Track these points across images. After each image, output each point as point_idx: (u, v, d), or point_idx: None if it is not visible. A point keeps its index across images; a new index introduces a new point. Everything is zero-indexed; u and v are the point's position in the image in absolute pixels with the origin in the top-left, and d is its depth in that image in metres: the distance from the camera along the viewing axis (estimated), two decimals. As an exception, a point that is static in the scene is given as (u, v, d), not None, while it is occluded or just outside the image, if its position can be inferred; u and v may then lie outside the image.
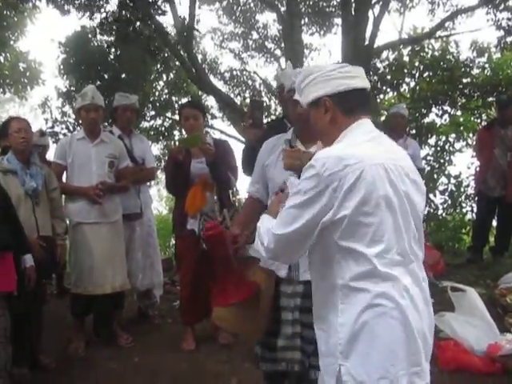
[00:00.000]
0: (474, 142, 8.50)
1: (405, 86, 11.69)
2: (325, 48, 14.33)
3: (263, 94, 13.43)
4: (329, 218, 1.89)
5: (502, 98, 7.99)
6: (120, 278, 4.77)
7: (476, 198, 7.93)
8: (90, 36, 10.79)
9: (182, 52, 8.91)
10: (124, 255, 4.92)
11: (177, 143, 8.52)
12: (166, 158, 12.99)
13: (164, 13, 7.43)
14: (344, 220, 1.87)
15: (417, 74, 11.35)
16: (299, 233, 1.95)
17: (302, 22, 12.36)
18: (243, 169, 4.30)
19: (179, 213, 4.71)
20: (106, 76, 10.99)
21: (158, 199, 16.55)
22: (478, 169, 7.59)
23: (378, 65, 11.47)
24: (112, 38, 8.87)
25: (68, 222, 4.83)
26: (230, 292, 2.83)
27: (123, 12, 7.12)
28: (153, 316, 5.63)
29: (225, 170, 4.52)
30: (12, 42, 13.92)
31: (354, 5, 9.16)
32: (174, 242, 9.55)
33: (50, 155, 6.26)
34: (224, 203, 4.51)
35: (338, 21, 11.38)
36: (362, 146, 1.97)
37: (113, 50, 11.21)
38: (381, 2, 10.54)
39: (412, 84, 11.57)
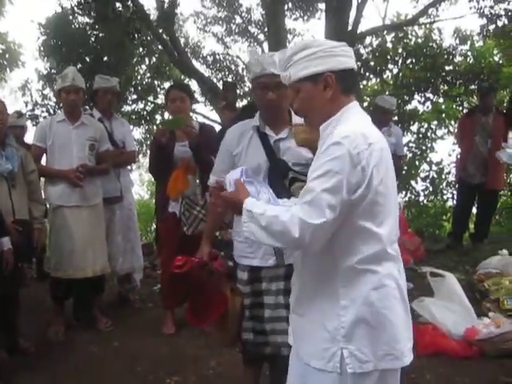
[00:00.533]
0: (456, 130, 8.55)
1: (388, 73, 11.74)
2: (308, 33, 14.24)
3: (246, 78, 13.37)
4: (356, 197, 1.84)
5: (483, 85, 8.03)
6: (100, 262, 4.74)
7: (456, 185, 7.99)
8: (70, 17, 10.64)
9: (164, 35, 8.82)
10: (104, 239, 4.89)
11: (160, 126, 8.45)
12: (149, 141, 12.98)
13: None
14: (366, 199, 1.86)
15: (400, 61, 11.40)
16: (337, 219, 1.83)
17: (286, 7, 12.29)
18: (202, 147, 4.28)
19: (161, 196, 4.68)
20: (87, 58, 10.85)
21: (140, 184, 16.50)
22: (458, 156, 7.64)
23: (362, 51, 11.49)
24: (92, 20, 8.74)
25: (48, 205, 4.78)
26: (202, 313, 2.99)
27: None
28: (133, 300, 5.62)
29: (208, 153, 4.48)
30: (-9, 24, 13.70)
31: (337, -10, 9.11)
32: (155, 226, 9.52)
33: (29, 137, 6.20)
34: (206, 187, 4.49)
35: (322, 6, 11.32)
36: (369, 126, 1.99)
37: (94, 32, 11.08)
38: (365, -12, 10.50)
39: (395, 71, 11.65)
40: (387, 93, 10.90)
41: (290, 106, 2.22)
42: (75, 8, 8.67)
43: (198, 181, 4.54)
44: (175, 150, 4.52)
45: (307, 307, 2.03)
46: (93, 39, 11.09)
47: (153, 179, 8.74)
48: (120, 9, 7.43)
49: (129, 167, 6.22)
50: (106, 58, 10.89)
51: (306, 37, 14.02)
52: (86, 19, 10.15)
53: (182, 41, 12.58)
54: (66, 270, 4.61)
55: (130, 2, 7.48)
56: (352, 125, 1.92)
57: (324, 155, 1.87)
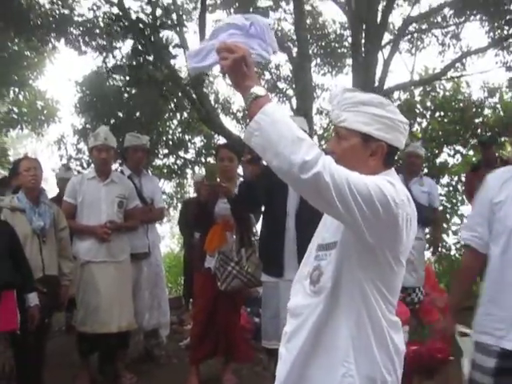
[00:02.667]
0: (463, 187, 8.25)
1: (416, 126, 11.76)
2: (336, 88, 14.41)
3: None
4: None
5: (483, 138, 7.83)
6: (126, 318, 4.79)
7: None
8: (105, 76, 11.02)
9: (193, 94, 9.06)
10: (131, 295, 4.94)
11: (194, 179, 8.58)
12: (179, 195, 13.16)
13: (175, 57, 7.58)
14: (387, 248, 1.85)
15: (428, 114, 11.43)
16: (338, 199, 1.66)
17: (314, 63, 12.52)
18: (240, 204, 4.32)
19: (199, 250, 4.72)
20: (120, 114, 11.18)
21: (171, 236, 16.58)
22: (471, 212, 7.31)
23: (390, 105, 11.55)
24: (126, 79, 9.07)
25: (76, 260, 4.88)
26: None
27: (135, 57, 7.30)
28: (158, 356, 5.62)
29: (245, 209, 4.52)
30: (31, 81, 14.27)
31: (363, 47, 9.29)
32: (184, 280, 9.56)
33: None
34: (244, 242, 4.52)
35: (350, 61, 11.51)
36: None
37: (127, 89, 11.44)
38: (391, 44, 10.68)
39: (424, 124, 11.65)
40: (416, 146, 10.91)
41: (328, 146, 2.05)
42: (110, 72, 8.97)
43: (234, 236, 4.57)
44: (216, 207, 4.58)
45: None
46: (126, 95, 11.45)
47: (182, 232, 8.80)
48: (152, 71, 7.70)
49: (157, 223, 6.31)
50: (138, 114, 11.19)
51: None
52: (120, 77, 10.49)
53: (213, 97, 12.86)
54: (91, 324, 4.67)
55: (161, 65, 7.74)
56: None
57: None
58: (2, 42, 11.82)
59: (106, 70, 9.44)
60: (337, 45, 12.95)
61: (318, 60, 13.08)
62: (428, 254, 8.10)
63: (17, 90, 13.92)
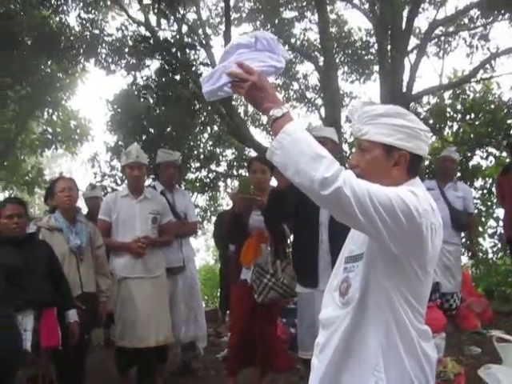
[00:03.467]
0: (495, 189, 8.12)
1: (447, 130, 11.64)
2: (365, 95, 14.37)
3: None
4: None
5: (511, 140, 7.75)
6: (164, 332, 4.85)
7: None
8: (135, 94, 11.23)
9: (222, 108, 9.17)
10: (168, 309, 5.01)
11: (228, 192, 8.63)
12: (213, 208, 13.26)
13: (201, 75, 7.69)
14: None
15: (459, 118, 11.31)
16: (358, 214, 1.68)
17: (342, 71, 12.54)
18: (267, 214, 4.33)
19: (234, 262, 4.76)
20: (151, 130, 11.36)
21: (205, 249, 16.69)
22: (504, 215, 7.11)
23: (419, 110, 11.48)
24: (155, 97, 9.26)
25: (113, 276, 4.97)
26: None
27: (163, 76, 7.45)
28: (196, 368, 5.67)
29: (275, 220, 4.54)
30: (64, 102, 14.62)
31: (390, 53, 9.27)
32: (219, 292, 9.62)
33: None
34: (278, 254, 4.54)
35: (377, 68, 11.49)
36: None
37: (157, 107, 11.62)
38: (418, 48, 10.62)
39: (455, 127, 11.53)
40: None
41: (351, 160, 2.05)
42: (140, 91, 9.14)
43: (269, 248, 4.59)
44: (250, 219, 4.62)
45: None
46: (157, 112, 11.63)
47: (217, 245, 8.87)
48: (180, 90, 7.84)
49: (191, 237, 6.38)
50: (169, 129, 11.35)
51: (364, 99, 14.16)
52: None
53: (242, 109, 12.97)
54: (130, 339, 4.75)
55: (189, 83, 7.87)
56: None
57: None
58: (36, 65, 12.15)
59: (136, 88, 9.62)
60: (363, 52, 12.96)
61: (346, 68, 13.10)
62: (465, 259, 8.01)
63: (51, 110, 14.31)
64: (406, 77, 9.67)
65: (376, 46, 10.87)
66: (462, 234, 7.02)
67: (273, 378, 4.90)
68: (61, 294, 4.00)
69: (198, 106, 8.29)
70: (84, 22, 11.69)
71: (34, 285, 3.79)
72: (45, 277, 3.94)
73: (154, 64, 10.05)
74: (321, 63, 11.61)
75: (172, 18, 9.63)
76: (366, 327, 1.87)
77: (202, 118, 10.79)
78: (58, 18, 11.64)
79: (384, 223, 1.70)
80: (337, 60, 12.16)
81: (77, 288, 4.30)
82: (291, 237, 4.63)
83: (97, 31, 11.85)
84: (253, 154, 12.68)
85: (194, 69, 7.50)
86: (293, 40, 13.21)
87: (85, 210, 6.59)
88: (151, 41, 7.84)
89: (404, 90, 9.40)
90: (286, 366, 4.70)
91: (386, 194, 1.73)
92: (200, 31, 11.19)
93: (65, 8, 11.26)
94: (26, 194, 14.83)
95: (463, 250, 6.89)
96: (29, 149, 14.86)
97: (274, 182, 4.74)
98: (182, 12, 9.57)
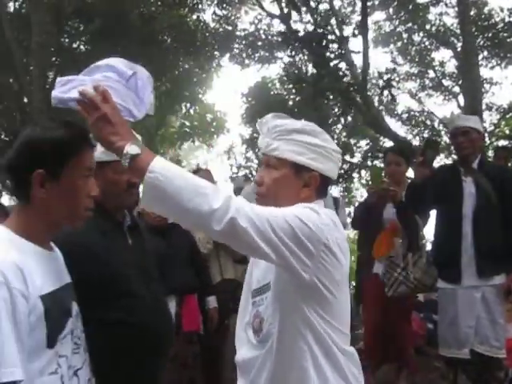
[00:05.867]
0: None
1: None
2: (506, 80, 13.57)
3: (442, 133, 13.03)
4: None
5: None
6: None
7: None
8: (269, 86, 11.41)
9: (358, 97, 9.06)
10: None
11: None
12: (346, 199, 13.17)
13: (341, 55, 7.62)
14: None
15: None
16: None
17: (481, 57, 11.89)
18: (407, 207, 4.19)
19: (366, 256, 4.68)
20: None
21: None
22: None
23: None
24: (289, 86, 9.36)
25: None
26: None
27: (316, 70, 7.50)
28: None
29: (412, 213, 4.41)
30: (200, 96, 15.19)
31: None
32: (354, 284, 9.52)
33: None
34: (411, 248, 4.40)
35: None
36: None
37: (291, 97, 11.73)
38: None
39: None
40: None
41: (256, 178, 1.86)
42: (291, 83, 9.22)
43: (400, 241, 4.47)
44: (385, 212, 4.53)
45: None
46: (290, 103, 11.73)
47: (355, 236, 8.82)
48: (314, 76, 7.85)
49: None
50: (302, 120, 11.40)
51: (505, 85, 13.33)
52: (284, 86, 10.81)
53: (376, 98, 12.75)
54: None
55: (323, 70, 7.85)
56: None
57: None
58: (174, 61, 12.73)
59: (289, 80, 9.70)
60: (505, 34, 12.17)
61: (485, 53, 12.39)
62: None
63: (188, 105, 14.91)
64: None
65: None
66: None
67: (410, 374, 4.78)
68: (201, 281, 4.16)
69: (334, 95, 8.20)
70: (219, 18, 12.08)
71: (177, 272, 3.95)
72: (187, 264, 4.11)
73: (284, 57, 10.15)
74: (459, 49, 11.09)
75: (304, 9, 9.66)
76: (291, 363, 1.69)
77: (336, 110, 10.72)
78: (194, 16, 12.12)
79: (288, 249, 1.55)
80: (476, 44, 11.56)
81: (217, 275, 4.45)
82: (427, 230, 4.47)
83: (230, 27, 12.19)
84: (388, 144, 12.46)
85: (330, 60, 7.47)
86: (428, 26, 12.74)
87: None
88: (299, 34, 7.88)
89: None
90: (416, 367, 4.56)
91: (284, 218, 1.57)
92: (333, 21, 11.13)
93: (200, 6, 11.70)
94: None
95: None
96: (168, 142, 15.61)
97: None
98: (314, 3, 9.55)
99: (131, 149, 1.47)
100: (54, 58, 11.25)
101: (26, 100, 11.02)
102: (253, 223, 1.50)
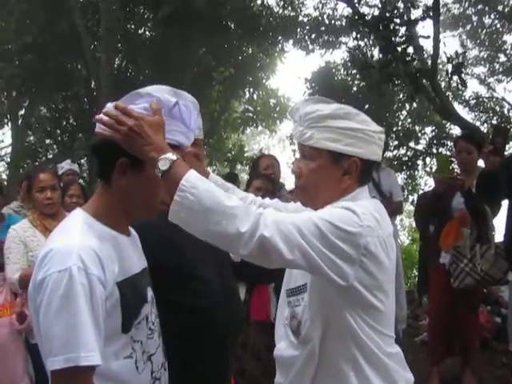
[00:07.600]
0: None
1: None
2: None
3: (512, 120, 12.58)
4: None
5: None
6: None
7: None
8: (333, 71, 11.28)
9: (425, 82, 8.84)
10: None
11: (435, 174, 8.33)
12: (410, 187, 12.94)
13: (410, 40, 7.42)
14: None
15: None
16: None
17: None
18: (477, 197, 4.07)
19: (434, 245, 4.58)
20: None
21: (401, 229, 16.39)
22: None
23: None
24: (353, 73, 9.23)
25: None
26: None
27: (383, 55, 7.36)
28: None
29: (481, 203, 4.28)
30: (264, 81, 15.20)
31: None
32: (416, 273, 9.39)
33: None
34: (480, 239, 4.28)
35: None
36: (381, 211, 1.74)
37: (355, 82, 11.57)
38: None
39: None
40: None
41: (293, 169, 1.78)
42: (360, 69, 9.07)
43: (469, 231, 4.35)
44: (454, 201, 4.42)
45: None
46: (354, 89, 11.59)
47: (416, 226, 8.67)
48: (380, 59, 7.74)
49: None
50: (367, 106, 11.26)
51: None
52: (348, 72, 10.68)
53: (443, 84, 12.41)
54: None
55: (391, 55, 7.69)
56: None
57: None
58: (238, 46, 12.77)
59: (355, 65, 9.57)
60: None
61: None
62: None
63: (252, 90, 14.94)
64: None
65: None
66: None
67: (476, 369, 4.67)
68: (270, 272, 4.14)
69: (403, 81, 8.00)
70: (283, 3, 12.01)
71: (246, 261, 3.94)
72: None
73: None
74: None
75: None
76: (333, 369, 1.66)
77: (401, 96, 10.51)
78: (259, 1, 12.10)
79: (320, 256, 1.49)
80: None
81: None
82: (498, 221, 4.32)
83: (294, 12, 12.11)
84: (454, 131, 12.14)
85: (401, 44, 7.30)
86: (500, 7, 12.27)
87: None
88: (368, 17, 7.74)
89: None
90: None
91: (315, 223, 1.50)
92: (400, 4, 10.88)
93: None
94: (227, 170, 15.76)
95: None
96: (231, 127, 15.71)
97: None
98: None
99: (161, 163, 1.46)
100: (119, 44, 11.48)
101: (93, 85, 11.34)
102: (282, 234, 1.47)
